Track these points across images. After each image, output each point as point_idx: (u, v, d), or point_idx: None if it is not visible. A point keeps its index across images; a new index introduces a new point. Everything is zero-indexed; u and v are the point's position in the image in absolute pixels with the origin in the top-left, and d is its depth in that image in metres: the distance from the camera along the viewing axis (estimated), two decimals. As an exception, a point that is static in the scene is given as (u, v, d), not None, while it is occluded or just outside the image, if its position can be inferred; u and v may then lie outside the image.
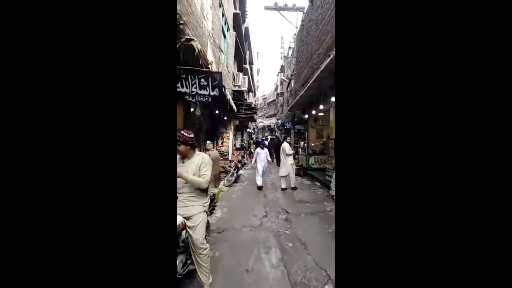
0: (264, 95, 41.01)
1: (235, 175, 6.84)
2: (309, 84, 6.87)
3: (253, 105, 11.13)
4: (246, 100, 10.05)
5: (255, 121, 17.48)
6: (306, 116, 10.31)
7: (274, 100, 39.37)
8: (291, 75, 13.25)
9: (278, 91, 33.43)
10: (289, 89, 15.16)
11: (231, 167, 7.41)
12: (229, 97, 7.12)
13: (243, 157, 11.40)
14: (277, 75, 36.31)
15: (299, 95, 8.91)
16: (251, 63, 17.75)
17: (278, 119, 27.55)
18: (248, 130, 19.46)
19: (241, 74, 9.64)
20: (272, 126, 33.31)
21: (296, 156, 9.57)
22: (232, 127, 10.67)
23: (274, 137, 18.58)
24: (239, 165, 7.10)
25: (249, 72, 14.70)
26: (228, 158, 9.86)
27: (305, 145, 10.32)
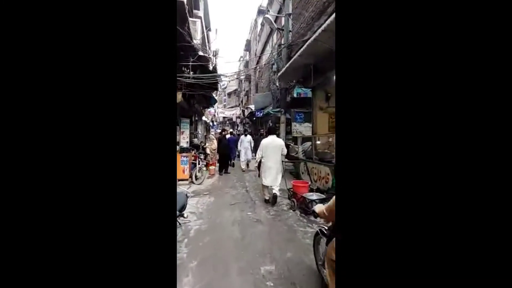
0: (223, 84, 35.21)
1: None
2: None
3: (211, 65, 5.74)
4: (195, 48, 4.71)
5: (214, 103, 11.15)
6: (310, 90, 5.56)
7: (236, 90, 34.12)
8: (279, 16, 8.12)
9: (241, 77, 28.26)
10: (269, 51, 10.14)
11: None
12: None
13: (194, 164, 6.01)
14: (239, 59, 31.07)
15: (306, 43, 4.00)
16: (207, 27, 11.86)
17: (244, 109, 22.45)
18: (204, 119, 13.64)
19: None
20: (234, 119, 28.01)
21: (305, 168, 4.74)
22: (168, 106, 5.19)
23: (253, 130, 12.98)
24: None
25: (204, 35, 9.20)
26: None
27: (311, 145, 5.49)
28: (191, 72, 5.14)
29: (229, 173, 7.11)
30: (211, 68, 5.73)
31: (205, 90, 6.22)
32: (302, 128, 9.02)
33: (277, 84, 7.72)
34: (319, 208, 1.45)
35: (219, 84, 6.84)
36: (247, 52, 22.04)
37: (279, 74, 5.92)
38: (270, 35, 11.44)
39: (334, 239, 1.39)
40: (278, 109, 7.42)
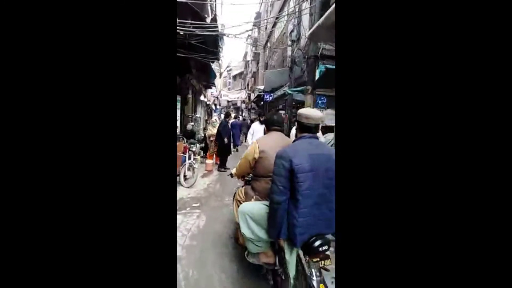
0: (228, 66, 32.89)
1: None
2: None
3: (209, 12, 3.85)
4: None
5: (214, 77, 8.30)
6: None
7: (242, 73, 31.80)
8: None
9: (249, 57, 25.90)
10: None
11: None
12: None
13: (189, 158, 4.29)
14: (246, 39, 28.49)
15: None
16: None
17: (250, 92, 20.46)
18: (204, 100, 11.59)
19: None
20: (239, 104, 26.01)
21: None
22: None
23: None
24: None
25: None
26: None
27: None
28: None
29: (228, 168, 5.40)
30: (209, 20, 3.87)
31: (201, 54, 4.37)
32: (324, 116, 7.19)
33: (301, 50, 5.78)
34: (233, 171, 1.86)
35: (220, 48, 4.95)
36: (256, 29, 19.59)
37: (311, 30, 3.99)
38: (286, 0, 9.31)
39: (240, 187, 1.87)
40: (301, 88, 5.54)
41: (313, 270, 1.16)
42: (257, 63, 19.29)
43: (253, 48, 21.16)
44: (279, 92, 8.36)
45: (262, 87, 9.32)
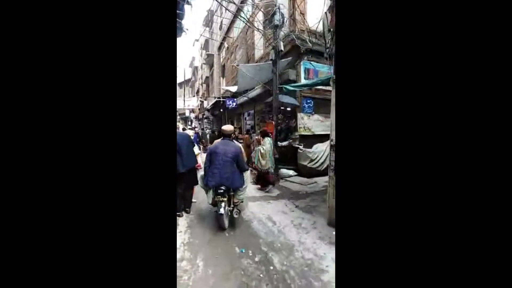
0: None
1: None
2: None
3: None
4: None
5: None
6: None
7: (190, 79, 29.02)
8: None
9: (198, 62, 23.55)
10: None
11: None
12: None
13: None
14: (193, 44, 26.25)
15: None
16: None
17: (202, 99, 18.13)
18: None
19: None
20: (187, 114, 23.06)
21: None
22: None
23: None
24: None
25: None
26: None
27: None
28: None
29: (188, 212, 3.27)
30: None
31: None
32: (311, 123, 5.88)
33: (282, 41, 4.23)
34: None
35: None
36: (207, 28, 17.63)
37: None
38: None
39: None
40: (319, 80, 3.88)
41: (221, 204, 2.43)
42: (210, 67, 17.21)
43: (204, 51, 19.00)
44: (251, 92, 6.63)
45: (233, 88, 7.37)
